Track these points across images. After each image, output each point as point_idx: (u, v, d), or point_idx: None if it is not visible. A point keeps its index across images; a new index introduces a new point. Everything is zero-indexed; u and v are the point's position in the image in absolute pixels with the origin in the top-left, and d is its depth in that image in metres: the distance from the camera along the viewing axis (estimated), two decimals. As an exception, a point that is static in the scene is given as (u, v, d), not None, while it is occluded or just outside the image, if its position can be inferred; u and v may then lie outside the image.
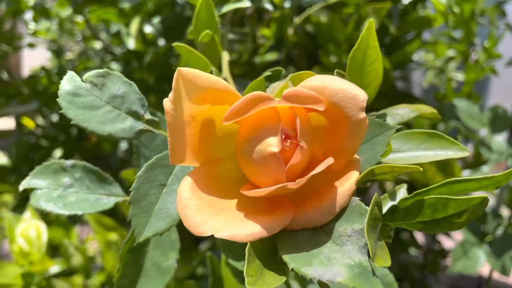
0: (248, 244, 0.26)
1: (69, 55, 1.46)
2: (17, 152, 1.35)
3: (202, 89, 0.28)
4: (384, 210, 0.29)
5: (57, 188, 0.39)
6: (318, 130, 0.29)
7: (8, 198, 1.40)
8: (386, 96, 1.14)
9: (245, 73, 1.03)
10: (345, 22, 1.02)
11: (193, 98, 0.28)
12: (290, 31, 0.74)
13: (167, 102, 0.28)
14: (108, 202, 0.39)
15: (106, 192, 0.40)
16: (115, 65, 1.03)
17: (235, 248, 0.43)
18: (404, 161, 0.34)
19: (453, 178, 0.25)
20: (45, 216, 1.08)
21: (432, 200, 0.25)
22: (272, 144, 0.26)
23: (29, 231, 0.99)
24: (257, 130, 0.27)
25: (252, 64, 1.06)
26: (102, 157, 1.41)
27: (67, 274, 1.07)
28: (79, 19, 1.37)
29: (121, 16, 0.98)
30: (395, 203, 0.28)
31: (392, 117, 0.37)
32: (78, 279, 1.08)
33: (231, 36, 0.78)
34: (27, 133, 1.38)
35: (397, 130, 0.31)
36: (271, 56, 1.04)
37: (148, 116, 0.33)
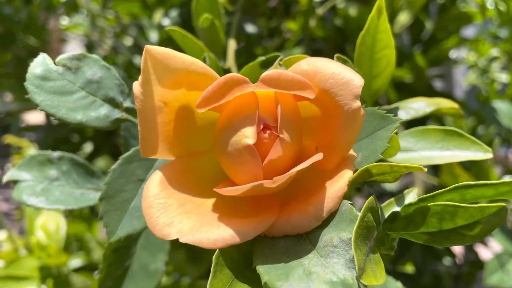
0: (217, 251, 0.22)
1: (101, 51, 1.46)
2: (47, 145, 1.37)
3: (174, 71, 0.24)
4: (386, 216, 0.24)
5: (42, 181, 0.37)
6: (310, 122, 0.25)
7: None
8: (421, 95, 1.07)
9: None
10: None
11: (164, 82, 0.24)
12: (312, 22, 0.70)
13: (136, 86, 0.25)
14: (94, 197, 0.37)
15: (94, 186, 0.37)
16: (138, 59, 1.01)
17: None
18: (416, 162, 0.29)
19: (465, 182, 0.21)
20: (70, 210, 1.08)
21: (438, 207, 0.21)
22: (247, 135, 0.22)
23: (49, 224, 0.98)
24: (233, 119, 0.23)
25: (279, 59, 1.02)
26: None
27: (88, 268, 1.07)
28: (111, 14, 1.37)
29: (145, 9, 0.97)
30: (397, 209, 0.24)
31: (405, 111, 0.32)
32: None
33: (250, 29, 0.75)
34: (56, 126, 1.40)
35: (410, 126, 0.26)
36: (297, 51, 1.00)
37: (128, 103, 0.30)
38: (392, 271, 1.00)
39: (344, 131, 0.23)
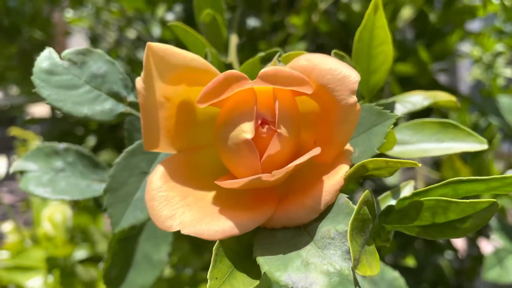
0: (217, 242, 0.23)
1: (105, 44, 1.47)
2: (51, 138, 1.38)
3: (176, 67, 0.25)
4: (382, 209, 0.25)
5: (49, 172, 0.37)
6: (308, 117, 0.26)
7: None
8: (425, 89, 1.07)
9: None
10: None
11: (166, 78, 0.25)
12: (315, 17, 0.70)
13: (138, 81, 0.25)
14: (99, 188, 0.37)
15: (99, 177, 0.38)
16: (142, 54, 1.02)
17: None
18: (412, 154, 0.30)
19: (458, 178, 0.21)
20: (75, 202, 1.09)
21: (431, 202, 0.22)
22: (246, 130, 0.23)
23: (55, 215, 1.00)
24: (233, 114, 0.24)
25: (282, 54, 1.02)
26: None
27: (94, 260, 1.08)
28: (115, 7, 1.37)
29: (148, 4, 0.97)
30: (392, 203, 0.24)
31: (402, 105, 0.33)
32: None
33: (252, 22, 0.75)
34: (61, 119, 1.41)
35: (406, 119, 0.27)
36: (302, 46, 1.00)
37: (131, 98, 0.31)
38: (394, 265, 1.00)
39: (341, 125, 0.24)
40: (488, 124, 1.00)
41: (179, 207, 0.24)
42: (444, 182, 0.22)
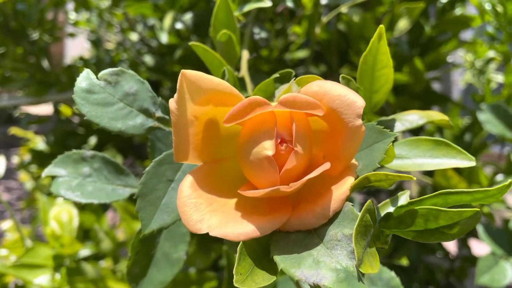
0: (241, 243, 0.27)
1: (107, 46, 1.50)
2: (55, 138, 1.41)
3: (205, 91, 0.29)
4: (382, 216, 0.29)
5: (77, 177, 0.41)
6: (319, 135, 0.30)
7: (46, 181, 1.47)
8: (419, 97, 1.12)
9: (275, 70, 1.04)
10: (378, 21, 1.01)
11: (196, 100, 0.29)
12: (317, 30, 0.74)
13: (172, 103, 0.29)
14: (123, 192, 0.41)
15: (123, 183, 0.42)
16: (148, 58, 1.05)
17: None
18: (408, 168, 0.34)
19: (447, 190, 0.25)
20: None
21: (424, 210, 0.26)
22: (267, 147, 0.27)
23: (62, 215, 1.03)
24: (255, 133, 0.28)
25: (283, 61, 1.06)
26: (135, 147, 1.45)
27: (96, 258, 1.11)
28: (118, 11, 1.40)
29: (156, 11, 1.01)
30: (391, 209, 0.28)
31: (401, 123, 0.37)
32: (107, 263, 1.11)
33: (262, 34, 0.79)
34: (65, 120, 1.44)
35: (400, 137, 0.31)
36: (302, 54, 1.04)
37: (159, 113, 0.35)
38: (388, 264, 1.04)
39: (347, 143, 0.28)
40: (479, 130, 1.04)
41: (207, 213, 0.28)
42: (435, 193, 0.26)
